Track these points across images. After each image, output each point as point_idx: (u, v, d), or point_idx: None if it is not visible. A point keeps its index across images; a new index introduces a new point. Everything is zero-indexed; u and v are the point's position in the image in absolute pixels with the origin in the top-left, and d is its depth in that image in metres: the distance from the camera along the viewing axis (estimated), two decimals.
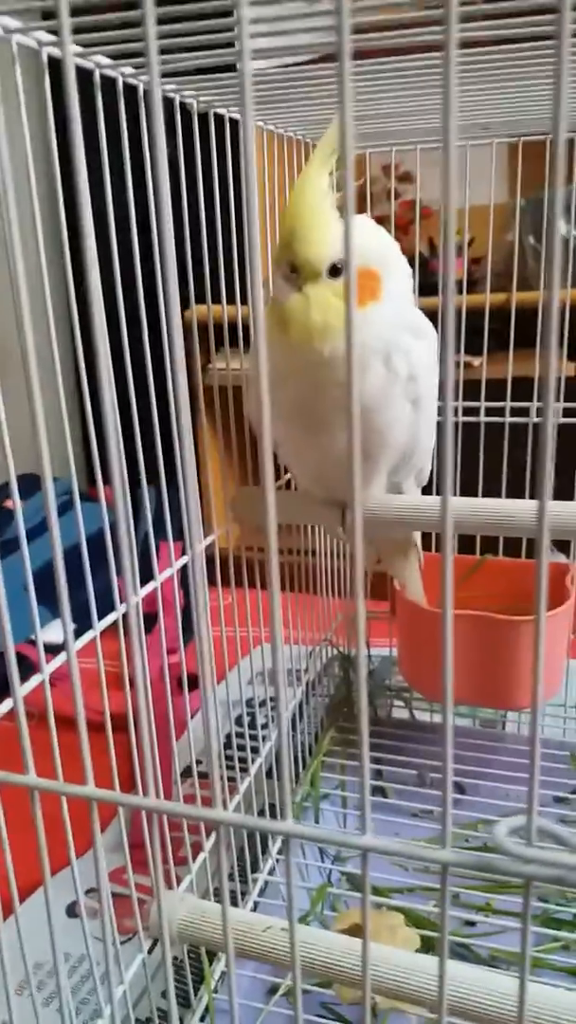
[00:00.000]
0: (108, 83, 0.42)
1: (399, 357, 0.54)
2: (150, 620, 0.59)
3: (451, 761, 0.24)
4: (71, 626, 0.32)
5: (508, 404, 0.84)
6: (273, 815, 0.71)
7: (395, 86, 0.53)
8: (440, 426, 0.22)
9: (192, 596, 0.29)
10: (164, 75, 0.45)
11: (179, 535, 0.56)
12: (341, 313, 0.50)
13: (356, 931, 0.57)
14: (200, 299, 0.57)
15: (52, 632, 0.47)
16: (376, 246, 0.54)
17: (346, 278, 0.21)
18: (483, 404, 0.85)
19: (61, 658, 0.43)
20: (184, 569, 0.59)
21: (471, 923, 0.67)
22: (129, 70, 0.42)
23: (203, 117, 0.54)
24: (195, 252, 0.55)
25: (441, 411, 0.23)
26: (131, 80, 0.43)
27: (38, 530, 1.04)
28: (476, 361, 1.02)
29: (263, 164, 0.65)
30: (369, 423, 0.55)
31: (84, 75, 0.40)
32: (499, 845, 0.21)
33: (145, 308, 0.49)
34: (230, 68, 0.43)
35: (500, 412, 0.85)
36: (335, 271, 0.50)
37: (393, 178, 0.98)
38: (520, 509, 0.55)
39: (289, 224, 0.49)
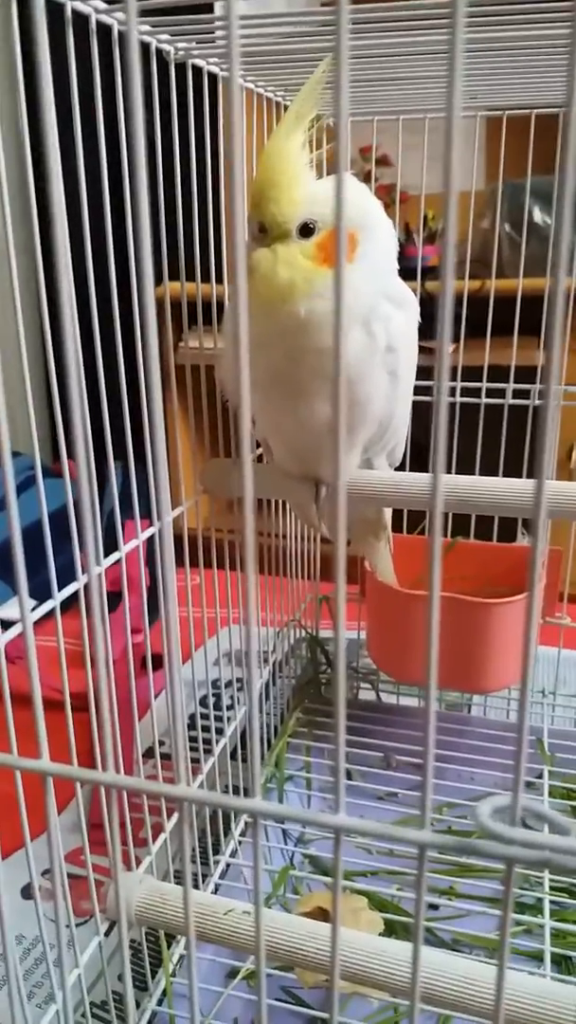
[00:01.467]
0: (81, 23, 0.40)
1: (378, 325, 0.53)
2: (115, 599, 0.57)
3: (432, 745, 0.23)
4: (26, 596, 0.30)
5: (484, 385, 0.83)
6: (237, 795, 0.70)
7: (380, 50, 0.51)
8: (429, 404, 0.21)
9: (158, 570, 0.28)
10: (138, 12, 0.43)
11: (146, 512, 0.54)
12: (307, 272, 0.48)
13: (318, 914, 0.56)
14: (173, 275, 0.54)
15: (13, 609, 0.45)
16: (354, 205, 0.52)
17: (326, 237, 0.19)
18: (459, 384, 0.84)
19: (18, 630, 0.41)
20: (150, 548, 0.58)
21: (434, 907, 0.66)
22: (102, 5, 0.40)
23: (180, 71, 0.52)
24: (169, 222, 0.53)
25: (431, 390, 0.21)
26: (104, 18, 0.41)
27: None
28: (451, 348, 1.01)
29: (242, 124, 0.63)
30: (348, 392, 0.53)
31: (56, 10, 0.38)
32: (481, 826, 0.20)
33: (116, 279, 0.46)
34: (207, 8, 0.41)
35: (476, 394, 0.84)
36: (306, 231, 0.48)
37: (372, 161, 0.96)
38: (500, 487, 0.54)
39: (259, 183, 0.48)
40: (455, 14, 0.19)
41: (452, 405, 0.83)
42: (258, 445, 0.69)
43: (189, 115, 0.53)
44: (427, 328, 0.56)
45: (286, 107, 0.69)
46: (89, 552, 0.24)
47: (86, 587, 0.46)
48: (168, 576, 0.24)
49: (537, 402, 0.83)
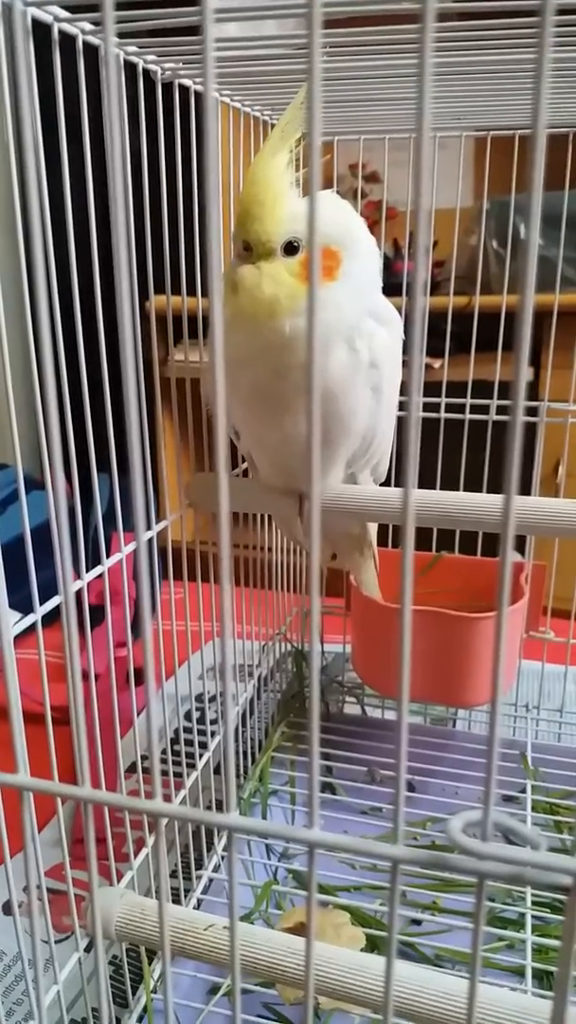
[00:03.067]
0: (69, 43, 0.40)
1: (361, 342, 0.53)
2: (100, 613, 0.57)
3: (404, 758, 0.23)
4: (6, 609, 0.30)
5: (468, 401, 0.84)
6: (220, 810, 0.70)
7: (366, 71, 0.52)
8: (404, 419, 0.21)
9: (139, 579, 0.28)
10: (124, 35, 0.44)
11: (131, 525, 0.55)
12: (292, 289, 0.49)
13: (301, 930, 0.56)
14: (159, 289, 0.55)
15: None
16: (337, 224, 0.53)
17: (308, 255, 0.20)
18: (443, 400, 0.84)
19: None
20: (136, 562, 0.58)
21: (417, 922, 0.66)
22: (88, 26, 0.40)
23: (167, 89, 0.53)
24: (155, 237, 0.53)
25: (405, 405, 0.22)
26: (91, 39, 0.41)
27: None
28: (437, 363, 1.02)
29: (228, 142, 0.63)
30: (331, 408, 0.54)
31: (42, 31, 0.39)
32: (453, 841, 0.20)
33: (101, 293, 0.47)
34: (194, 31, 0.41)
35: (460, 409, 0.85)
36: (291, 249, 0.49)
37: (360, 177, 0.97)
38: (482, 503, 0.54)
39: (244, 201, 0.48)
40: (423, 40, 0.19)
41: (436, 421, 0.84)
42: (243, 460, 0.70)
43: (175, 133, 0.54)
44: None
45: (273, 126, 0.70)
46: (65, 565, 0.24)
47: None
48: (145, 590, 0.24)
49: (523, 419, 0.84)
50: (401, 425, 0.65)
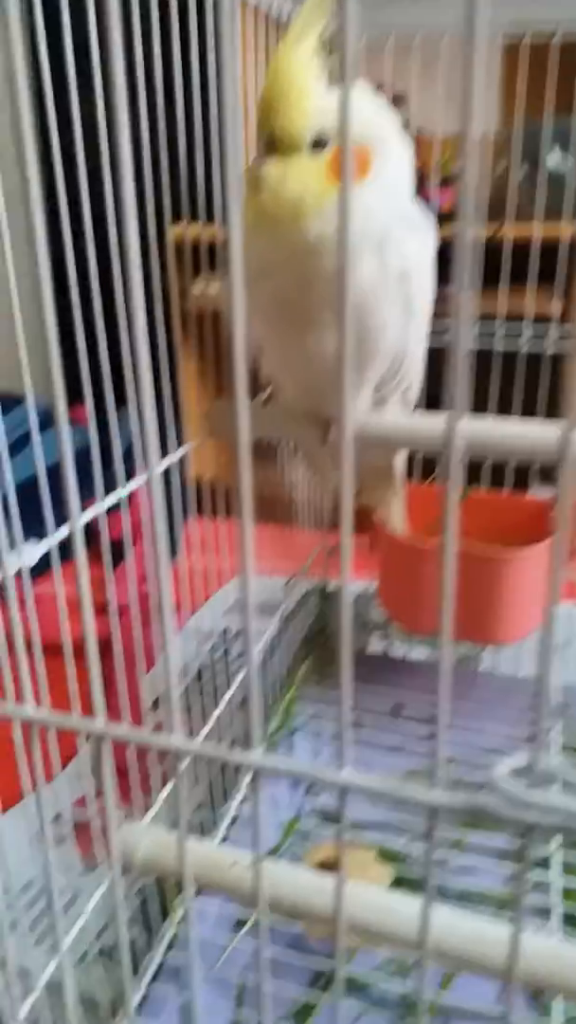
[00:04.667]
0: None
1: (391, 250, 0.49)
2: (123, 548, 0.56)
3: (447, 700, 0.21)
4: (21, 538, 0.29)
5: (497, 332, 0.80)
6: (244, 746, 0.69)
7: None
8: (448, 345, 0.19)
9: (174, 517, 0.26)
10: None
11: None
12: (318, 188, 0.45)
13: (327, 865, 0.56)
14: (177, 217, 0.51)
15: (26, 553, 0.44)
16: (369, 119, 0.48)
17: (338, 152, 0.17)
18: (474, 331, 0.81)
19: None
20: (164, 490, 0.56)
21: (442, 861, 0.66)
22: None
23: None
24: (171, 153, 0.50)
25: (448, 332, 0.19)
26: None
27: (14, 448, 0.98)
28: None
29: (246, 47, 0.59)
30: (359, 324, 0.50)
31: None
32: (498, 788, 0.19)
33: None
34: None
35: (489, 341, 0.81)
36: (318, 146, 0.45)
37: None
38: (528, 433, 0.51)
39: (266, 94, 0.44)
40: None
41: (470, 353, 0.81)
42: (264, 387, 0.67)
43: (189, 34, 0.50)
44: (443, 273, 0.52)
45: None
46: (69, 486, 0.22)
47: (87, 531, 0.45)
48: (159, 519, 0.23)
49: (552, 351, 0.81)
50: (432, 357, 0.61)
